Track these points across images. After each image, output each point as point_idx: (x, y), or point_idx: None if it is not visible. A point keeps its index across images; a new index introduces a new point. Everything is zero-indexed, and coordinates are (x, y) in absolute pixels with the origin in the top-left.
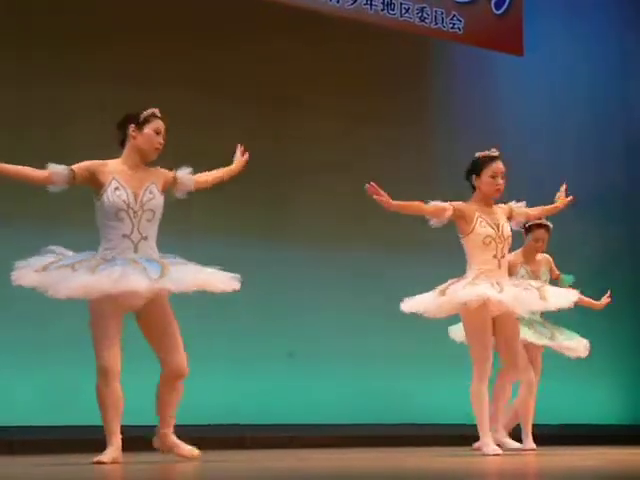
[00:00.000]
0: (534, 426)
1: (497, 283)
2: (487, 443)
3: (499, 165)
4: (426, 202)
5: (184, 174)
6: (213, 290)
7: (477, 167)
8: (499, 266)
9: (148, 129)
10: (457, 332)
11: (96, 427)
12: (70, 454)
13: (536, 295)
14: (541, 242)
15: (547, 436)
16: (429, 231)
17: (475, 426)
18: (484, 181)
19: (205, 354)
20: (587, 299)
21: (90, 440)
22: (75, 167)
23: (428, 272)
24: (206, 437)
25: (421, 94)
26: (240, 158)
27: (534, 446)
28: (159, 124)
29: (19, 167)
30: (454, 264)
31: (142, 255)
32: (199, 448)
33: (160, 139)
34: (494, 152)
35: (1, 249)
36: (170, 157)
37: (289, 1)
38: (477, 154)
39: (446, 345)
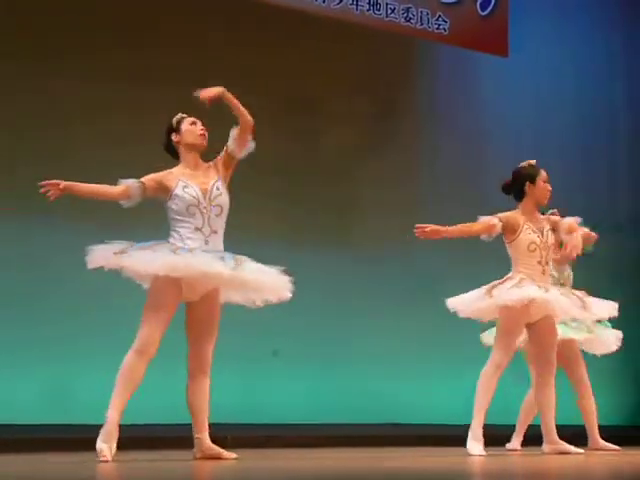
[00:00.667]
0: (532, 427)
1: (543, 286)
2: (472, 444)
3: (545, 172)
4: (476, 219)
5: (230, 141)
6: (272, 300)
7: (532, 175)
8: (543, 272)
9: (185, 125)
10: (490, 337)
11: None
12: (70, 452)
13: (579, 304)
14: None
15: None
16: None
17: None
18: (539, 187)
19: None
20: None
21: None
22: (144, 179)
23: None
24: (187, 436)
25: (406, 94)
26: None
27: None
28: (191, 119)
29: (92, 186)
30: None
31: (212, 248)
32: (181, 447)
33: (199, 126)
34: (533, 161)
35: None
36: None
37: (274, 1)
38: (523, 163)
39: (425, 345)
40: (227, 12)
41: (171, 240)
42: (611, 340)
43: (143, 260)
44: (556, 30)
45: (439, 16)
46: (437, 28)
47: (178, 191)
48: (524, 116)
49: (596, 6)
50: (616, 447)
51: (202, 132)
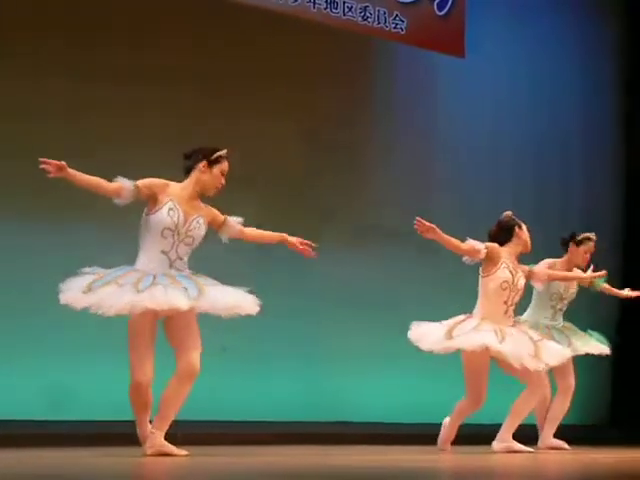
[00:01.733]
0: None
1: (500, 331)
2: None
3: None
4: (463, 240)
5: (233, 220)
6: (240, 313)
7: (519, 223)
8: (506, 312)
9: (217, 169)
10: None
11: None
12: (71, 448)
13: (532, 350)
14: (589, 254)
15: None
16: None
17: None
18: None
19: None
20: (614, 290)
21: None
22: (139, 183)
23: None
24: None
25: (362, 94)
26: (297, 245)
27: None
28: (225, 165)
29: (90, 177)
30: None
31: (176, 271)
32: (133, 444)
33: (223, 180)
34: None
35: None
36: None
37: None
38: (508, 213)
39: (386, 342)
40: (183, 10)
41: (137, 265)
42: (598, 348)
43: (107, 301)
44: (512, 31)
45: (396, 15)
46: (394, 27)
47: (164, 211)
48: (479, 117)
49: (551, 8)
50: (565, 445)
51: (219, 186)
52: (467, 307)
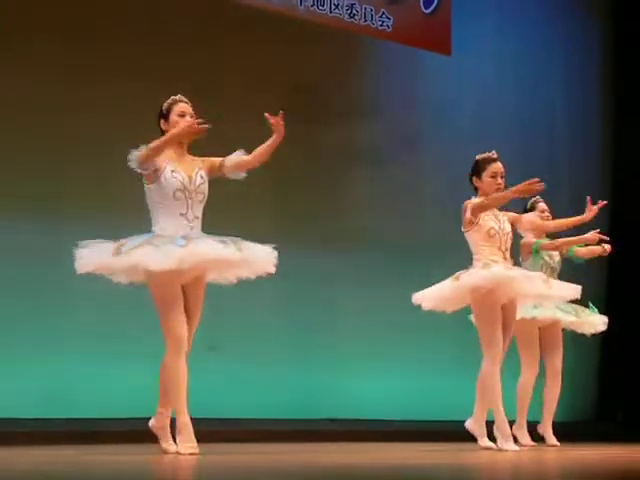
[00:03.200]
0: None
1: (507, 268)
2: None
3: (498, 165)
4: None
5: (231, 156)
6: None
7: (478, 168)
8: (504, 258)
9: (173, 116)
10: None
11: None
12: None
13: (542, 283)
14: (546, 212)
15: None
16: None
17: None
18: (485, 181)
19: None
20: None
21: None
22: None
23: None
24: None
25: (349, 91)
26: (276, 124)
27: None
28: (179, 107)
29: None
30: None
31: (196, 234)
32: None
33: (187, 119)
34: (493, 154)
35: None
36: None
37: None
38: (477, 156)
39: (365, 341)
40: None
41: (155, 230)
42: (597, 321)
43: (152, 256)
44: (498, 30)
45: (383, 13)
46: (381, 25)
47: (167, 174)
48: (466, 115)
49: (536, 6)
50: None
51: (188, 125)
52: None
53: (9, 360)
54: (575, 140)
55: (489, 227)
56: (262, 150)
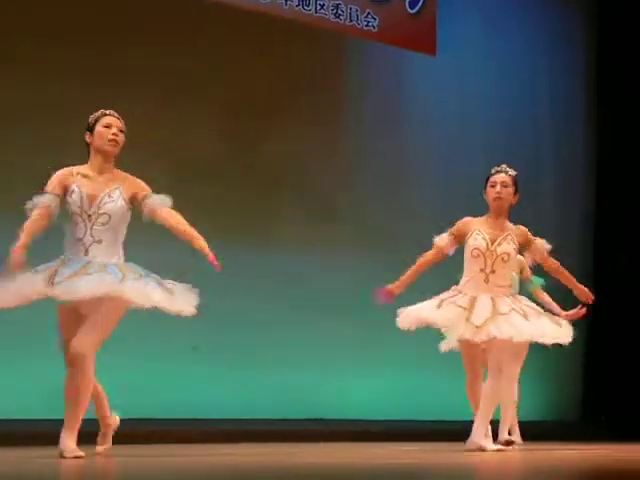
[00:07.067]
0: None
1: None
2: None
3: (499, 176)
4: (421, 255)
5: (153, 201)
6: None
7: (485, 183)
8: (486, 280)
9: (98, 127)
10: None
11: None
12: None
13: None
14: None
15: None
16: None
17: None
18: (487, 192)
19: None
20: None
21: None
22: (50, 190)
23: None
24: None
25: (335, 92)
26: (210, 257)
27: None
28: (108, 119)
29: (28, 232)
30: None
31: (92, 258)
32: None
33: (112, 131)
34: (498, 168)
35: None
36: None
37: None
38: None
39: (365, 341)
40: (154, 8)
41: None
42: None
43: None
44: (482, 30)
45: (368, 13)
46: (366, 25)
47: (67, 197)
48: (450, 115)
49: (520, 6)
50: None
51: (112, 137)
52: None
53: (8, 359)
54: (559, 137)
55: (473, 247)
56: (183, 232)
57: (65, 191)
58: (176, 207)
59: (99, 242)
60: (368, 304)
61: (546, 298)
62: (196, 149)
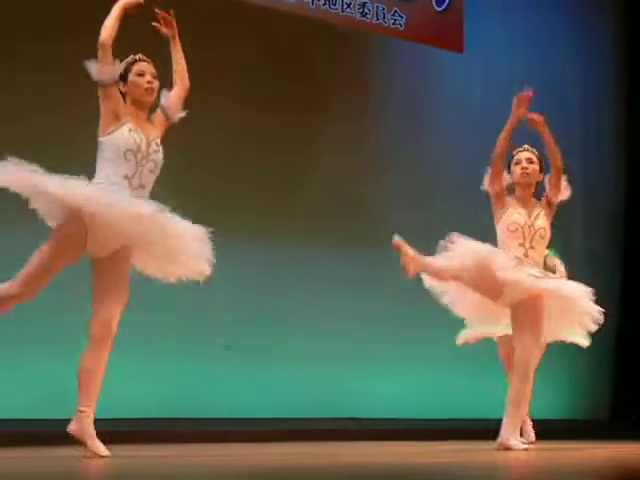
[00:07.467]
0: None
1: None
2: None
3: (523, 153)
4: None
5: (168, 100)
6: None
7: (508, 165)
8: (525, 255)
9: (131, 76)
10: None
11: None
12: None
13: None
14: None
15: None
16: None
17: None
18: (513, 171)
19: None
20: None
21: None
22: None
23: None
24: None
25: (362, 90)
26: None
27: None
28: (141, 66)
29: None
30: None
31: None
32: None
33: (146, 78)
34: (520, 148)
35: None
36: None
37: None
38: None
39: (385, 340)
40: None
41: (95, 180)
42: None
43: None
44: (508, 28)
45: (395, 11)
46: (393, 23)
47: (124, 130)
48: (477, 114)
49: (547, 3)
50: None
51: (147, 86)
52: None
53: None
54: (589, 135)
55: (510, 221)
56: (178, 68)
57: (117, 107)
58: (200, 206)
59: (143, 187)
60: (399, 301)
61: (561, 268)
62: (218, 145)
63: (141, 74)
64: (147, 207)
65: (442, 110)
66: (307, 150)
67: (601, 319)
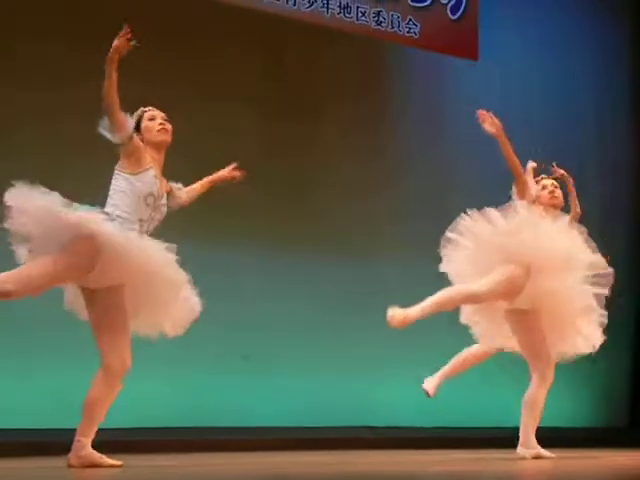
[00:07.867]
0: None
1: None
2: None
3: (547, 180)
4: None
5: (177, 189)
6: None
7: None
8: None
9: (144, 125)
10: None
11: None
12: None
13: None
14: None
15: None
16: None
17: None
18: (540, 196)
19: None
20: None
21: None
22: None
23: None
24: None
25: (378, 99)
26: (230, 172)
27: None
28: (150, 114)
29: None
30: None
31: None
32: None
33: (158, 121)
34: (544, 175)
35: None
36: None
37: (245, 3)
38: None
39: (401, 347)
40: (196, 13)
41: (108, 210)
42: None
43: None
44: (523, 36)
45: (410, 20)
46: (408, 32)
47: (149, 174)
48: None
49: (560, 9)
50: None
51: (160, 127)
52: None
53: (10, 367)
54: (604, 145)
55: None
56: (194, 194)
57: (138, 154)
58: (216, 213)
59: (146, 233)
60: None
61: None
62: (235, 152)
63: (152, 119)
64: (160, 250)
65: (459, 117)
66: (325, 158)
67: (597, 344)
